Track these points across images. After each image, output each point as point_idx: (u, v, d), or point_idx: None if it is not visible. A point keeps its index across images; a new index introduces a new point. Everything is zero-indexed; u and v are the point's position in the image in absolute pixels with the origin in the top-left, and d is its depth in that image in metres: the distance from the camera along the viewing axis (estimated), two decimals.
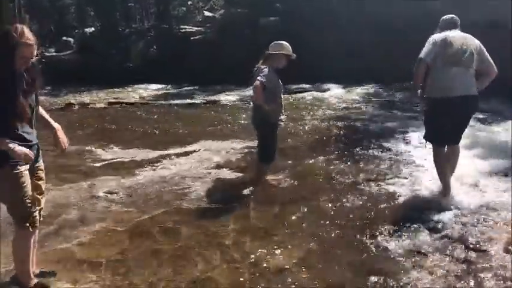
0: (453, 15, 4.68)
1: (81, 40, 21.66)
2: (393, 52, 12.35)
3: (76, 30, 24.18)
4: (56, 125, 3.10)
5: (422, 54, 4.45)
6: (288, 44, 4.90)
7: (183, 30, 18.83)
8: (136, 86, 15.92)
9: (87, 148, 7.11)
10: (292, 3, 16.37)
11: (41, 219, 3.14)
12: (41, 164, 3.12)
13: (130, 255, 3.69)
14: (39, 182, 3.09)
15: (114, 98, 13.60)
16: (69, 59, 19.88)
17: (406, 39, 11.29)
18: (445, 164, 4.66)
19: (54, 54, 21.41)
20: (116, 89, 15.31)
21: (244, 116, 9.27)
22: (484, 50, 4.49)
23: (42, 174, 3.13)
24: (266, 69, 4.70)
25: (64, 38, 23.12)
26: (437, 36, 4.49)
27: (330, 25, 14.69)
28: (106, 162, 6.39)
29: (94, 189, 5.23)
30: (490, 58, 4.48)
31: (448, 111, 4.44)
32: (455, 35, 4.48)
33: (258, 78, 4.61)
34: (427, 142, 4.84)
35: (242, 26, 16.30)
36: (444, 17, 4.72)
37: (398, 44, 12.23)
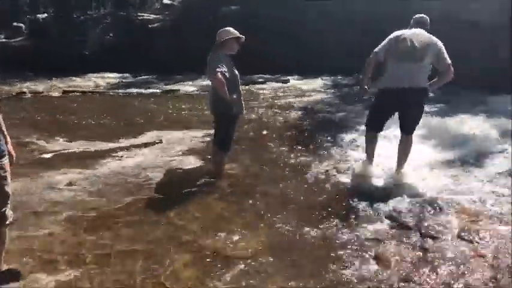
0: (423, 15, 4.89)
1: (33, 26, 20.83)
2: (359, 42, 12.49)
3: (28, 16, 23.23)
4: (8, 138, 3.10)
5: (376, 48, 4.69)
6: (232, 28, 4.82)
7: (141, 17, 18.42)
8: (92, 74, 15.49)
9: (40, 139, 6.85)
10: None
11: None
12: None
13: (96, 245, 3.62)
14: None
15: (69, 86, 13.18)
16: (20, 46, 19.10)
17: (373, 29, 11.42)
18: (369, 149, 5.06)
19: (4, 40, 20.52)
20: (71, 77, 14.82)
21: (202, 105, 9.17)
22: (443, 51, 4.62)
23: None
24: (222, 58, 4.62)
25: (15, 23, 22.18)
26: (394, 33, 4.72)
27: (291, 13, 14.68)
28: (62, 152, 6.18)
29: (53, 180, 5.05)
30: (448, 60, 4.61)
31: (389, 100, 4.74)
32: (412, 33, 4.69)
33: (218, 69, 4.48)
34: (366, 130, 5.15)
35: (201, 14, 16.09)
36: (415, 16, 4.92)
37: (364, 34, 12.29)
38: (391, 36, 4.73)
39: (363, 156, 5.32)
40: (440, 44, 4.64)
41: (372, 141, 5.09)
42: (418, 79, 4.63)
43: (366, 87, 4.87)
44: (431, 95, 4.88)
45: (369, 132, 5.10)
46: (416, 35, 4.67)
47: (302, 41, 13.82)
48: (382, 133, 5.16)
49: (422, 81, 4.66)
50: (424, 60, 4.59)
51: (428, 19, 4.87)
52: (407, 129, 4.89)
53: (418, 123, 4.90)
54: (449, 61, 4.61)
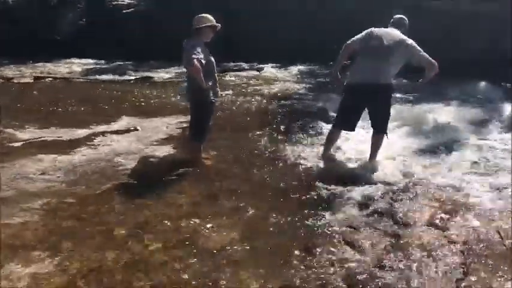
0: (402, 16, 5.04)
1: (2, 9, 20.19)
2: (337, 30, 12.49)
3: None
4: None
5: (351, 39, 4.88)
6: (209, 15, 4.78)
7: (115, 2, 18.04)
8: (64, 60, 15.10)
9: (8, 127, 6.63)
10: None
11: None
12: None
13: (70, 233, 3.59)
14: None
15: (40, 72, 12.83)
16: None
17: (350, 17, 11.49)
18: (328, 146, 5.24)
19: None
20: (42, 63, 14.42)
21: (177, 92, 9.06)
22: (415, 46, 4.77)
23: None
24: (198, 45, 4.56)
25: None
26: (370, 29, 4.89)
27: (269, 1, 14.56)
28: (33, 141, 6.01)
29: (25, 169, 4.92)
30: (424, 54, 4.75)
31: (355, 96, 4.89)
32: (384, 31, 4.85)
33: (194, 56, 4.42)
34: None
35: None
36: (395, 16, 5.09)
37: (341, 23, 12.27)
38: (366, 31, 4.88)
39: (338, 142, 5.40)
40: (411, 42, 4.78)
41: (333, 139, 5.27)
42: (383, 76, 4.79)
43: (338, 75, 5.00)
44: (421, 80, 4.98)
45: (334, 131, 5.25)
46: (388, 33, 4.83)
47: (279, 28, 13.75)
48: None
49: (388, 78, 4.83)
50: (390, 58, 4.75)
51: (406, 21, 5.01)
52: (377, 128, 5.05)
53: (387, 122, 5.06)
54: (427, 56, 4.73)
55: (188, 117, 5.29)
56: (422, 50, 4.76)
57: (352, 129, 5.19)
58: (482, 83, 9.03)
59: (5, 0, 20.46)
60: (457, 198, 4.23)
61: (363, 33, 4.89)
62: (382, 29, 4.90)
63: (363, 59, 4.85)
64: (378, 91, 4.83)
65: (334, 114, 5.56)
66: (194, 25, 4.68)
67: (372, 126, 5.10)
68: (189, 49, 4.54)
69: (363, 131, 5.78)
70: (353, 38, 4.88)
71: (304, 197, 4.29)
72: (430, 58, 4.74)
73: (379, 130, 5.05)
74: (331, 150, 5.32)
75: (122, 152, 5.55)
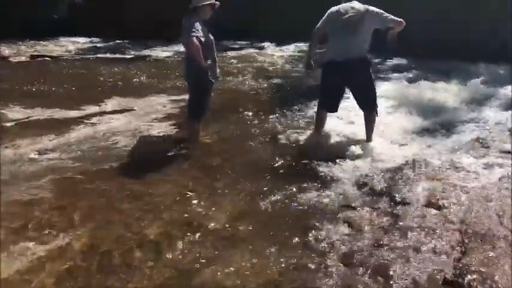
0: None
1: None
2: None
3: None
4: None
5: (317, 27, 4.88)
6: None
7: None
8: (62, 38, 14.99)
9: (6, 107, 6.62)
10: None
11: None
12: None
13: (74, 212, 3.61)
14: None
15: (37, 51, 12.74)
16: None
17: None
18: (319, 129, 5.24)
19: None
20: (39, 42, 14.31)
21: (176, 71, 9.02)
22: (380, 11, 4.81)
23: None
24: (197, 24, 4.49)
25: None
26: (331, 9, 4.88)
27: None
28: (29, 120, 6.01)
29: (22, 150, 4.91)
30: (389, 15, 4.80)
31: (334, 75, 4.87)
32: (347, 6, 4.82)
33: (193, 34, 4.37)
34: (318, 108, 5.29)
35: None
36: None
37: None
38: (329, 11, 4.88)
39: (333, 123, 5.40)
40: (374, 9, 4.80)
41: (321, 119, 5.24)
42: (357, 50, 4.81)
43: (312, 63, 5.04)
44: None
45: (320, 112, 5.23)
46: (350, 7, 4.80)
47: (278, 6, 13.60)
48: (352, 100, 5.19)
49: (362, 51, 4.85)
50: (360, 30, 4.76)
51: None
52: (366, 105, 5.03)
53: (373, 96, 5.04)
54: (392, 17, 4.79)
55: (186, 96, 5.25)
56: (386, 12, 4.81)
57: (336, 109, 5.15)
58: (482, 64, 8.96)
59: None
60: (455, 177, 4.22)
61: (326, 15, 4.88)
62: (343, 4, 4.86)
63: (334, 37, 4.85)
64: (355, 66, 4.82)
65: None
66: (193, 3, 4.61)
67: (361, 108, 5.07)
68: (188, 27, 4.48)
69: (351, 106, 5.73)
70: (318, 25, 4.88)
71: (301, 177, 4.27)
72: (396, 17, 4.79)
73: (369, 109, 5.03)
74: (324, 129, 5.31)
75: (119, 131, 5.55)
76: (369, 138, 5.06)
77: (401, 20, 4.77)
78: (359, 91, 5.01)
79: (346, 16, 4.75)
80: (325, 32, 4.90)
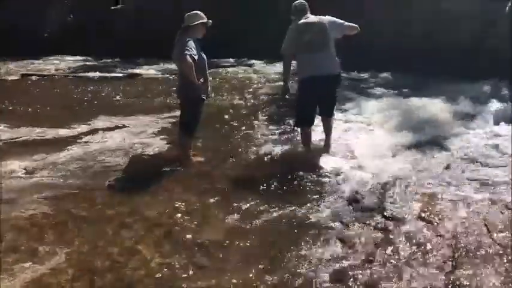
0: (302, 1, 5.04)
1: None
2: None
3: None
4: None
5: (283, 49, 4.92)
6: (200, 12, 4.77)
7: None
8: (53, 57, 14.97)
9: None
10: None
11: None
12: None
13: (62, 232, 3.59)
14: None
15: (27, 69, 12.70)
16: None
17: None
18: (308, 144, 5.30)
19: None
20: (30, 60, 14.28)
21: (167, 88, 9.04)
22: (337, 20, 4.95)
23: None
24: (190, 42, 4.55)
25: None
26: (296, 26, 4.90)
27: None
28: (17, 140, 5.96)
29: (9, 169, 4.87)
30: (345, 22, 4.94)
31: (312, 89, 4.93)
32: (311, 21, 4.89)
33: (186, 52, 4.41)
34: (296, 128, 5.46)
35: None
36: (296, 3, 5.06)
37: None
38: (291, 29, 4.91)
39: (322, 140, 5.47)
40: (329, 18, 4.93)
41: (307, 135, 5.30)
42: (333, 64, 4.94)
43: (288, 87, 5.17)
44: None
45: (303, 129, 5.29)
46: (311, 22, 4.88)
47: (269, 24, 13.74)
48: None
49: (337, 65, 4.98)
50: (328, 44, 4.88)
51: (306, 3, 5.06)
52: (328, 113, 5.27)
53: (335, 104, 5.37)
54: (347, 23, 4.94)
55: (177, 113, 5.27)
56: (338, 19, 4.95)
57: (312, 123, 5.27)
58: (468, 80, 9.09)
59: None
60: (445, 192, 4.26)
61: (290, 34, 4.91)
62: (302, 20, 4.91)
63: (305, 55, 4.88)
64: (334, 81, 5.02)
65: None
66: (186, 22, 4.66)
67: (325, 114, 5.26)
68: (181, 45, 4.52)
69: (339, 122, 5.85)
70: (284, 46, 4.91)
71: (292, 193, 4.30)
72: (351, 23, 4.94)
73: (330, 114, 5.29)
74: (312, 143, 5.39)
75: (110, 149, 5.53)
76: (328, 142, 5.31)
77: (356, 25, 4.94)
78: (327, 101, 5.16)
79: (311, 33, 4.82)
80: (294, 51, 4.95)
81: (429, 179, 4.57)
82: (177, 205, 4.06)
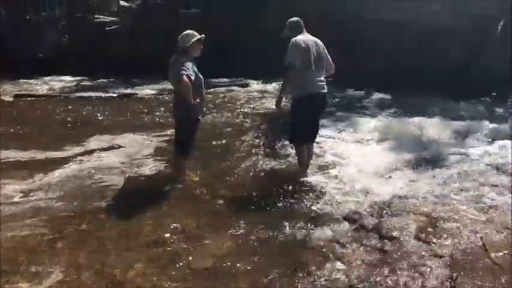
0: (298, 18, 5.08)
1: None
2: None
3: None
4: None
5: (291, 60, 4.83)
6: (192, 30, 4.76)
7: (97, 19, 17.98)
8: (47, 77, 14.97)
9: None
10: None
11: None
12: None
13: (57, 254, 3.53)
14: None
15: (21, 90, 12.68)
16: None
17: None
18: (304, 162, 5.28)
19: None
20: (24, 81, 14.27)
21: (161, 108, 9.06)
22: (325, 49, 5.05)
23: None
24: (187, 62, 4.55)
25: None
26: (299, 42, 4.86)
27: (252, 17, 14.66)
28: (12, 161, 5.92)
29: (4, 192, 4.81)
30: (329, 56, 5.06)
31: (309, 107, 4.98)
32: (309, 40, 4.94)
33: (183, 72, 4.40)
34: (292, 144, 5.39)
35: (160, 17, 15.86)
36: (292, 20, 5.08)
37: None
38: (294, 45, 4.85)
39: (318, 159, 5.57)
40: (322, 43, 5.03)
41: (304, 152, 5.28)
42: (325, 84, 5.02)
43: (282, 99, 5.16)
44: None
45: (300, 146, 5.27)
46: (312, 40, 4.95)
47: (261, 44, 13.85)
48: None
49: (325, 86, 5.05)
50: (323, 64, 4.99)
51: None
52: (314, 136, 5.32)
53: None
54: (330, 59, 5.06)
55: (171, 132, 5.24)
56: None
57: (315, 138, 5.36)
58: (463, 99, 9.17)
59: None
60: (442, 211, 4.25)
61: (294, 49, 4.84)
62: (304, 37, 4.94)
63: (307, 71, 4.87)
64: (324, 101, 5.14)
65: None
66: (182, 44, 4.66)
67: (309, 139, 5.27)
68: (176, 66, 4.52)
69: (337, 140, 5.86)
70: (292, 59, 4.81)
71: (290, 213, 4.27)
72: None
73: (314, 139, 5.37)
74: (309, 162, 5.37)
75: (106, 169, 5.50)
76: (308, 165, 5.28)
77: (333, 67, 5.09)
78: (316, 123, 5.23)
79: (313, 51, 4.87)
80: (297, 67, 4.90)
81: (426, 198, 4.56)
82: (172, 226, 4.01)
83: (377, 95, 10.19)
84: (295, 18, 5.06)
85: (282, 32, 5.08)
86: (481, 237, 3.73)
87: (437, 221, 4.03)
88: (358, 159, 5.78)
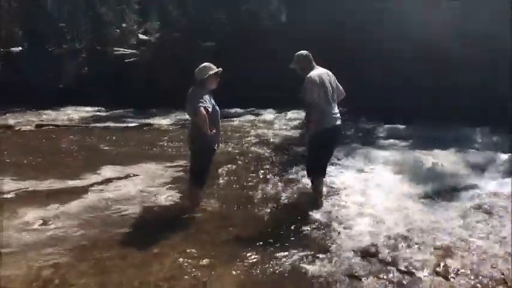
0: (307, 52, 5.13)
1: (7, 60, 20.59)
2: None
3: (1, 49, 23.00)
4: None
5: (310, 98, 4.86)
6: (209, 63, 4.87)
7: (117, 52, 18.43)
8: (67, 107, 15.32)
9: (7, 176, 6.66)
10: (228, 29, 16.54)
11: None
12: None
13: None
14: None
15: (42, 120, 12.98)
16: None
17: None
18: (321, 194, 5.26)
19: None
20: (45, 111, 14.62)
21: (177, 138, 9.15)
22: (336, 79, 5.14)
23: None
24: (204, 94, 4.63)
25: None
26: (314, 78, 4.90)
27: (265, 51, 14.88)
28: (30, 190, 6.01)
29: (25, 220, 4.90)
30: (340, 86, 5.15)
31: (330, 140, 5.08)
32: (322, 73, 5.00)
33: (200, 104, 4.48)
34: (312, 178, 5.31)
35: (178, 50, 16.21)
36: (302, 54, 5.12)
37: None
38: (314, 80, 4.88)
39: (334, 191, 5.54)
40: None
41: (321, 184, 5.29)
42: (339, 115, 5.10)
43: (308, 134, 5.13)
44: None
45: (318, 179, 5.26)
46: (325, 74, 5.02)
47: (276, 75, 14.00)
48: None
49: (340, 117, 5.14)
50: (336, 96, 5.06)
51: None
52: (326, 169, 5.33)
53: None
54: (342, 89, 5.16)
55: (183, 163, 5.28)
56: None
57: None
58: (479, 129, 9.09)
59: (10, 51, 20.91)
60: (460, 245, 4.17)
61: (311, 86, 4.86)
62: (319, 71, 5.00)
63: (325, 106, 4.93)
64: (341, 131, 5.23)
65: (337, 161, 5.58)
66: (199, 76, 4.75)
67: (324, 168, 5.27)
68: (194, 98, 4.60)
69: (351, 171, 5.87)
70: (310, 99, 4.83)
71: (305, 245, 4.22)
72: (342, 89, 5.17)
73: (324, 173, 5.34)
74: (324, 194, 5.37)
75: (123, 199, 5.56)
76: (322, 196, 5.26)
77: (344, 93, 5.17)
78: (331, 155, 5.34)
79: (328, 85, 4.95)
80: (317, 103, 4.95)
81: (443, 231, 4.48)
82: (184, 257, 4.01)
83: (391, 125, 10.14)
84: (304, 52, 5.12)
85: (291, 64, 5.14)
86: (502, 272, 3.64)
87: (456, 255, 3.96)
88: (373, 190, 5.73)
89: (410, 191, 5.71)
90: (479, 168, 6.67)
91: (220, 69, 4.85)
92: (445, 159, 7.03)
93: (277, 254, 4.02)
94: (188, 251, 4.14)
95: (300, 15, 14.73)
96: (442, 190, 5.78)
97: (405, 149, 7.97)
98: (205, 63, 4.86)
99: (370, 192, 5.67)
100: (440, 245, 4.16)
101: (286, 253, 4.04)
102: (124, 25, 20.87)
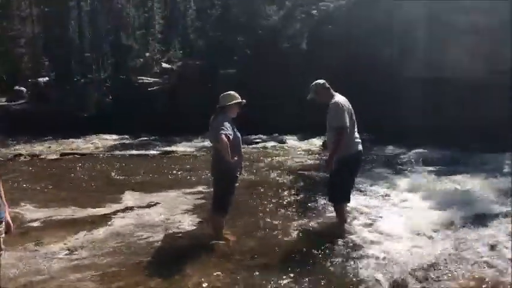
0: (324, 81, 5.14)
1: (34, 89, 21.17)
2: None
3: (29, 80, 23.67)
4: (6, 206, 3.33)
5: (343, 122, 4.86)
6: (234, 92, 4.91)
7: (140, 81, 18.76)
8: (91, 136, 15.56)
9: (31, 203, 6.74)
10: (249, 57, 16.75)
11: None
12: None
13: None
14: None
15: (67, 148, 13.21)
16: (21, 109, 19.31)
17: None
18: (345, 218, 5.34)
19: (5, 103, 20.76)
20: (70, 140, 14.89)
21: (200, 166, 9.18)
22: None
23: None
24: (225, 121, 4.65)
25: (17, 87, 22.53)
26: (342, 104, 4.94)
27: (285, 77, 14.98)
28: (54, 219, 6.05)
29: (51, 249, 4.93)
30: None
31: (355, 165, 5.17)
32: (345, 100, 5.06)
33: (222, 132, 4.49)
34: (337, 204, 5.31)
35: (200, 77, 16.43)
36: (319, 83, 5.15)
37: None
38: (343, 106, 4.91)
39: (357, 217, 5.49)
40: None
41: (345, 211, 5.37)
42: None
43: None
44: None
45: (342, 205, 5.31)
46: (345, 101, 5.04)
47: (300, 101, 14.05)
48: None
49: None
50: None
51: None
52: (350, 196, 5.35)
53: None
54: None
55: (204, 189, 5.26)
56: None
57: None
58: (507, 154, 8.89)
59: (37, 81, 21.51)
60: (493, 275, 4.01)
61: (341, 111, 4.87)
62: (339, 98, 5.03)
63: (352, 132, 5.00)
64: (362, 156, 5.25)
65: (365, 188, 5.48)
66: (222, 102, 4.80)
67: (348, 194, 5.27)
68: (216, 125, 4.62)
69: (377, 198, 5.91)
70: (341, 123, 4.85)
71: (329, 275, 4.13)
72: None
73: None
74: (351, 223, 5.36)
75: (147, 226, 5.58)
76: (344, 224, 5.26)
77: None
78: (354, 181, 5.37)
79: (351, 111, 5.01)
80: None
81: (475, 261, 4.32)
82: (211, 285, 3.97)
83: (416, 151, 10.00)
84: (321, 81, 5.15)
85: (308, 95, 5.20)
86: None
87: (488, 285, 3.80)
88: (399, 218, 5.61)
89: (438, 218, 5.56)
90: (507, 193, 6.49)
91: (244, 101, 4.88)
92: (472, 184, 6.89)
93: (303, 285, 3.92)
94: (212, 278, 4.09)
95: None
96: (470, 216, 5.61)
97: (431, 175, 7.80)
98: (231, 92, 4.91)
99: (396, 219, 5.55)
100: (472, 276, 4.01)
101: (311, 282, 3.94)
102: (147, 54, 21.29)
